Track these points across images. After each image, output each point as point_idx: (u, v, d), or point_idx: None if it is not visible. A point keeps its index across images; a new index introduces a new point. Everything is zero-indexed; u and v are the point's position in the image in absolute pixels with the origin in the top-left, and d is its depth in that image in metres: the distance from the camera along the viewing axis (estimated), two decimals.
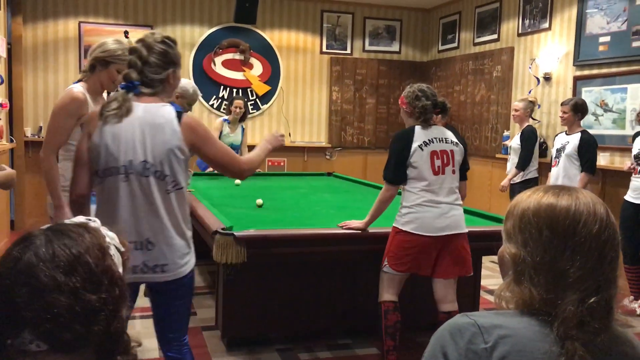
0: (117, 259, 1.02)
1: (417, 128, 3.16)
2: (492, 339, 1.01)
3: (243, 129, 6.08)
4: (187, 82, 4.60)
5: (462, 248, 3.14)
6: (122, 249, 1.05)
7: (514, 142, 5.53)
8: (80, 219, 1.06)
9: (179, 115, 2.25)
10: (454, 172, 3.17)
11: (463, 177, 3.35)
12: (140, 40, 2.29)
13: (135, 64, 2.24)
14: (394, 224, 3.16)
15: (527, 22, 6.38)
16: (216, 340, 3.65)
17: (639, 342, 1.12)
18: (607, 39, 5.29)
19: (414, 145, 3.09)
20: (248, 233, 2.98)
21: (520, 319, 1.05)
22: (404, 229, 3.08)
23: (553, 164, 4.98)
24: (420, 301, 3.89)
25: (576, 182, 4.70)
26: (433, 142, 3.13)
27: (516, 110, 5.52)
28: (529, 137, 5.33)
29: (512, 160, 5.53)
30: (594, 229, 1.05)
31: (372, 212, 3.23)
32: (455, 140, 3.25)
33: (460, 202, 3.22)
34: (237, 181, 5.35)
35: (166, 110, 2.23)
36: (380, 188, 5.39)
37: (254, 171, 2.47)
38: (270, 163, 7.74)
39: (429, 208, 3.07)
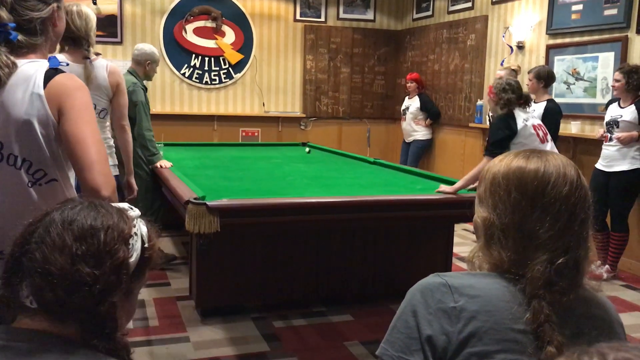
0: (136, 251, 1.04)
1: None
2: (461, 298, 1.03)
3: None
4: (147, 45, 4.53)
5: None
6: (147, 245, 1.07)
7: None
8: (124, 205, 1.10)
9: (51, 72, 1.53)
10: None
11: None
12: None
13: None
14: None
15: None
16: (190, 310, 3.65)
17: (611, 305, 1.15)
18: (580, 7, 5.31)
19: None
20: (221, 203, 2.95)
21: (491, 280, 1.07)
22: None
23: None
24: (392, 268, 3.93)
25: None
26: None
27: (500, 78, 5.40)
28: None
29: None
30: (564, 191, 1.06)
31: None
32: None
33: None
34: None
35: (33, 66, 1.52)
36: (355, 157, 5.42)
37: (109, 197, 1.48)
38: (244, 133, 7.67)
39: None
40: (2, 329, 0.98)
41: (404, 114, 7.26)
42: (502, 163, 1.13)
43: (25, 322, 0.99)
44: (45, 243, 0.97)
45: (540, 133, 3.94)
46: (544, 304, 1.01)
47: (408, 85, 7.21)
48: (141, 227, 1.08)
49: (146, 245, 1.07)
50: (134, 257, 1.03)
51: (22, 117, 1.50)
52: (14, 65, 1.51)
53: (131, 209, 1.10)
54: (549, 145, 3.98)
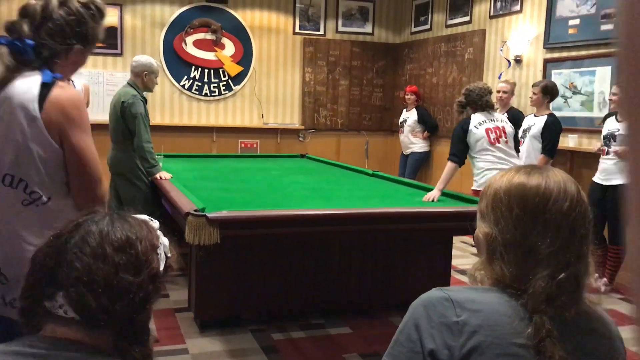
0: (162, 260, 1.08)
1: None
2: (464, 313, 1.03)
3: None
4: (144, 57, 4.54)
5: None
6: (169, 255, 1.11)
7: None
8: (144, 216, 1.11)
9: (46, 88, 1.49)
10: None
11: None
12: None
13: (34, 13, 1.49)
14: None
15: (498, 4, 6.42)
16: (189, 322, 3.65)
17: (611, 320, 1.15)
18: (577, 22, 5.36)
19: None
20: (221, 214, 2.96)
21: (493, 294, 1.08)
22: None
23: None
24: (391, 281, 3.93)
25: (537, 163, 4.78)
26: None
27: (505, 92, 5.42)
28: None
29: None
30: (565, 206, 1.07)
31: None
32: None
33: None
34: None
35: (25, 83, 1.49)
36: (353, 169, 5.43)
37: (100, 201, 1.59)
38: (243, 145, 7.69)
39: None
40: (40, 338, 0.99)
41: (402, 126, 7.30)
42: (504, 179, 1.13)
43: (62, 331, 0.98)
44: (86, 253, 0.98)
45: (493, 135, 4.33)
46: (546, 318, 1.01)
47: (407, 97, 7.25)
48: (162, 238, 1.11)
49: (169, 255, 1.11)
50: (161, 267, 1.07)
51: (19, 140, 1.49)
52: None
53: (151, 220, 1.13)
54: (503, 149, 4.40)
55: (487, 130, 4.37)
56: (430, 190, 4.28)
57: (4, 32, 1.50)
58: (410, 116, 7.21)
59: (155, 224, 1.13)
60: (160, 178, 4.22)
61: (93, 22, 1.59)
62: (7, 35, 1.49)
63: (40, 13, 1.49)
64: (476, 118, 4.40)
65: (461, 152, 4.35)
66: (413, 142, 7.21)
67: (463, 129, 4.38)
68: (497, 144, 4.38)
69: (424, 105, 7.45)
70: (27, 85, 1.49)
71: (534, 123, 4.92)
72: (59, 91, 1.51)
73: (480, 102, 4.37)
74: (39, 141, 1.49)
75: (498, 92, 5.53)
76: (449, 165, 4.25)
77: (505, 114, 5.45)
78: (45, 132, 1.49)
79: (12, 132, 1.49)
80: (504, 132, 4.41)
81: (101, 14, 1.62)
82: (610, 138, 4.53)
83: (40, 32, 1.51)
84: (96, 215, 1.05)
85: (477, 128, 4.38)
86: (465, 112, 4.45)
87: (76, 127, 1.51)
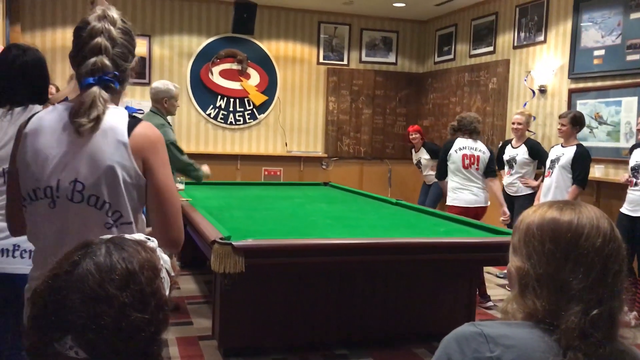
0: (166, 282, 1.02)
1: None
2: (497, 348, 1.03)
3: None
4: (161, 82, 4.61)
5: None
6: (172, 274, 1.06)
7: (521, 156, 5.43)
8: (140, 236, 1.07)
9: (132, 121, 1.61)
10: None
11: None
12: (100, 17, 1.60)
13: (107, 49, 1.58)
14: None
15: (522, 34, 6.45)
16: (213, 350, 3.65)
17: None
18: (602, 52, 5.35)
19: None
20: (246, 243, 2.99)
21: (526, 330, 1.07)
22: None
23: (546, 175, 5.02)
24: (415, 312, 3.90)
25: (567, 194, 4.74)
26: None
27: (520, 124, 5.43)
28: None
29: (517, 173, 5.47)
30: (597, 243, 1.07)
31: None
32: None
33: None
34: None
35: (115, 114, 1.60)
36: (377, 198, 5.43)
37: (178, 243, 1.67)
38: (266, 172, 7.76)
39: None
40: None
41: (419, 167, 7.18)
42: (537, 214, 1.14)
43: None
44: (89, 296, 0.92)
45: (467, 161, 4.97)
46: (580, 355, 1.00)
47: (412, 137, 6.94)
48: (163, 257, 1.06)
49: (172, 274, 1.07)
50: (167, 290, 1.02)
51: (107, 163, 1.56)
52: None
53: (148, 239, 1.08)
54: (473, 174, 4.97)
55: (463, 155, 5.00)
56: (453, 218, 4.27)
57: (87, 75, 1.58)
58: (421, 155, 7.02)
59: (153, 243, 1.08)
60: (208, 176, 4.67)
61: (133, 33, 1.69)
62: (92, 75, 1.57)
63: (111, 45, 1.58)
64: (459, 143, 5.03)
65: (442, 169, 5.16)
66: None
67: (445, 150, 5.11)
68: (469, 169, 4.99)
69: (429, 139, 7.35)
70: (116, 113, 1.60)
71: (563, 153, 4.88)
72: (147, 125, 1.63)
73: (469, 127, 5.02)
74: (124, 166, 1.57)
75: (513, 123, 5.50)
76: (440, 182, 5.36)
77: (523, 145, 5.43)
78: (132, 159, 1.57)
79: (100, 156, 1.56)
80: (477, 160, 4.99)
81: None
82: (638, 169, 4.47)
83: (116, 61, 1.60)
84: (92, 248, 0.99)
85: (457, 152, 5.01)
86: (456, 134, 5.13)
87: (161, 160, 1.61)
